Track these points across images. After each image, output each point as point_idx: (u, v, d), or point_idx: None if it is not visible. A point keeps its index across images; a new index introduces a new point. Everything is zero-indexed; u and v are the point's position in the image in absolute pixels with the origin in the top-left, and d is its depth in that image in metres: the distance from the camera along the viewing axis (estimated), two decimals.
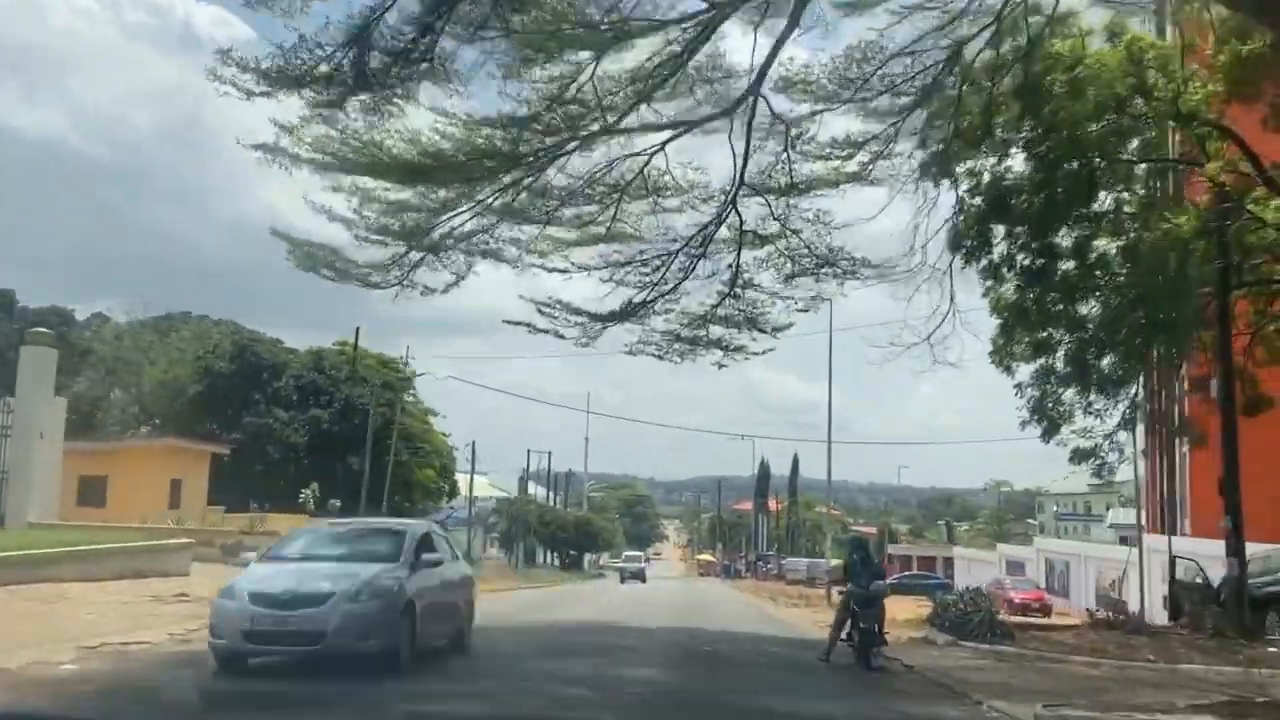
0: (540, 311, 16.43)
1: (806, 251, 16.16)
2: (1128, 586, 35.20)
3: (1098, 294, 21.09)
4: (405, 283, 15.26)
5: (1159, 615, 26.16)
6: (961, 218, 19.34)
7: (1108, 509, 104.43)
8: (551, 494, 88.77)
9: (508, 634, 14.66)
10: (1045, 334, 21.88)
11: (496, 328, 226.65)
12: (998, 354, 22.82)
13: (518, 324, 16.46)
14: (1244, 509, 29.39)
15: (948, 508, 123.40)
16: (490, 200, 14.67)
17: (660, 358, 17.42)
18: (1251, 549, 21.59)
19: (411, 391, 62.33)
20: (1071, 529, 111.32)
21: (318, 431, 50.32)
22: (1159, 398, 25.45)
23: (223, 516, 34.56)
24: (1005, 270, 19.59)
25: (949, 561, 65.43)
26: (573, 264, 15.99)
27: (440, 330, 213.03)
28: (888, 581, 12.39)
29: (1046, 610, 36.86)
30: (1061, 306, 21.05)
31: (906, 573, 56.47)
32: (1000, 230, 20.15)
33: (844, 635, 12.49)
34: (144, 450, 34.57)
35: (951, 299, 17.40)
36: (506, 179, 14.62)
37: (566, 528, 70.47)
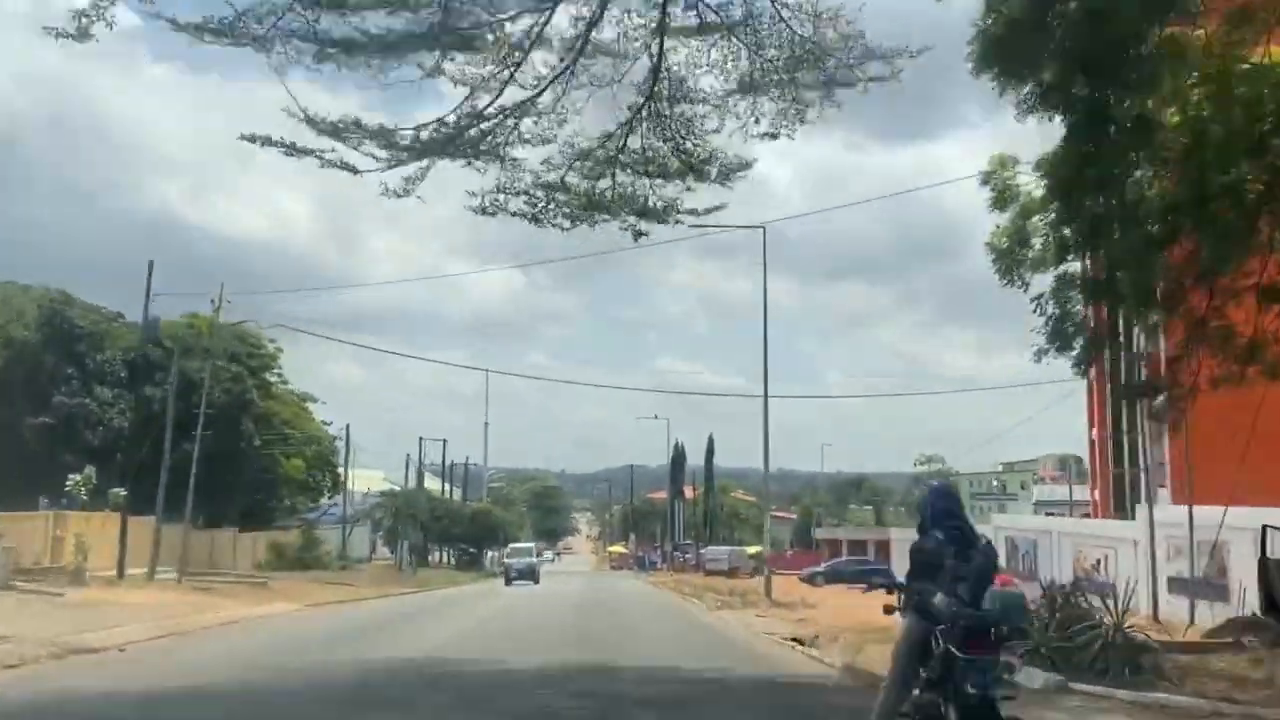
0: (319, 130, 9.42)
1: (776, 30, 9.48)
2: (1117, 567, 29.90)
3: (1172, 153, 14.86)
4: None
5: (1174, 607, 20.70)
6: (992, 20, 12.88)
7: (1022, 487, 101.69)
8: (448, 486, 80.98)
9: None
10: (1097, 215, 15.62)
11: (403, 325, 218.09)
12: (1003, 259, 16.73)
13: (266, 143, 9.35)
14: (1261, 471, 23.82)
15: (857, 491, 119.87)
16: None
17: (536, 220, 10.51)
18: None
19: (276, 371, 53.95)
20: (985, 509, 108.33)
21: (149, 413, 41.82)
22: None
23: None
24: (1054, 104, 13.20)
25: (883, 545, 60.25)
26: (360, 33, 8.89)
27: (347, 328, 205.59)
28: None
29: None
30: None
31: (840, 559, 50.84)
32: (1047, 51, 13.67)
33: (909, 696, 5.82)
34: None
35: None
36: None
37: (462, 522, 62.89)
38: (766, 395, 25.18)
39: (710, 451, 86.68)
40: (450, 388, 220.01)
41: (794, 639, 15.66)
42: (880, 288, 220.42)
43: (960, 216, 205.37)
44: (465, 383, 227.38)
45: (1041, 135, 15.41)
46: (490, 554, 79.53)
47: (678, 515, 73.18)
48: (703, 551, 64.65)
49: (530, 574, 46.73)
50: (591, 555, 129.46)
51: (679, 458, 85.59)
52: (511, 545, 54.26)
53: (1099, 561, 31.18)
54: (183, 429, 41.40)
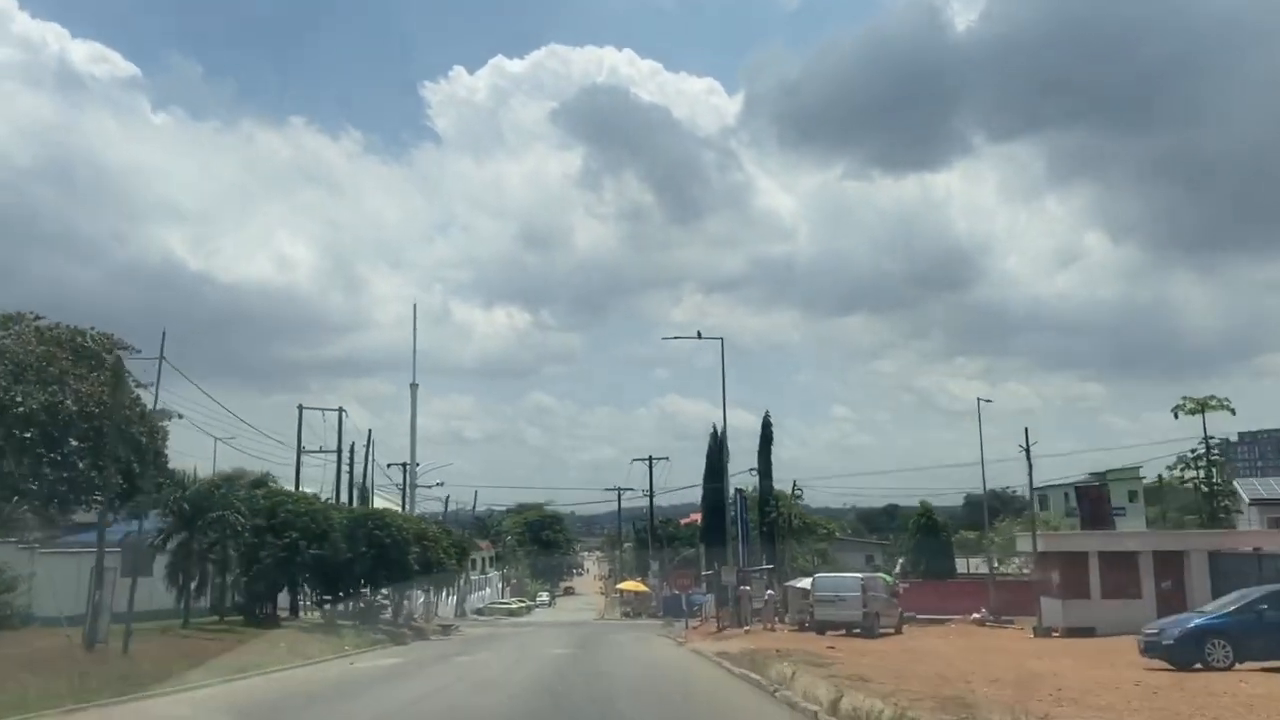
0: None
1: None
2: None
3: None
4: None
5: None
6: None
7: (1131, 499, 74.11)
8: (402, 498, 50.42)
9: None
10: None
11: (405, 366, 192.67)
12: None
13: None
14: None
15: (889, 520, 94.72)
16: None
17: None
18: None
19: None
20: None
21: None
22: None
23: None
24: None
25: (1172, 558, 29.76)
26: None
27: (349, 371, 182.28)
28: None
29: None
30: None
31: (1250, 590, 19.49)
32: None
33: None
34: None
35: None
36: None
37: (331, 539, 32.08)
38: None
39: (766, 436, 55.24)
40: (455, 432, 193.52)
41: None
42: (886, 319, 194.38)
43: (969, 247, 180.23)
44: (470, 427, 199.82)
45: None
46: (420, 599, 48.51)
47: (741, 517, 40.60)
48: (802, 584, 33.44)
49: None
50: (599, 596, 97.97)
51: (719, 444, 54.20)
52: None
53: None
54: None
